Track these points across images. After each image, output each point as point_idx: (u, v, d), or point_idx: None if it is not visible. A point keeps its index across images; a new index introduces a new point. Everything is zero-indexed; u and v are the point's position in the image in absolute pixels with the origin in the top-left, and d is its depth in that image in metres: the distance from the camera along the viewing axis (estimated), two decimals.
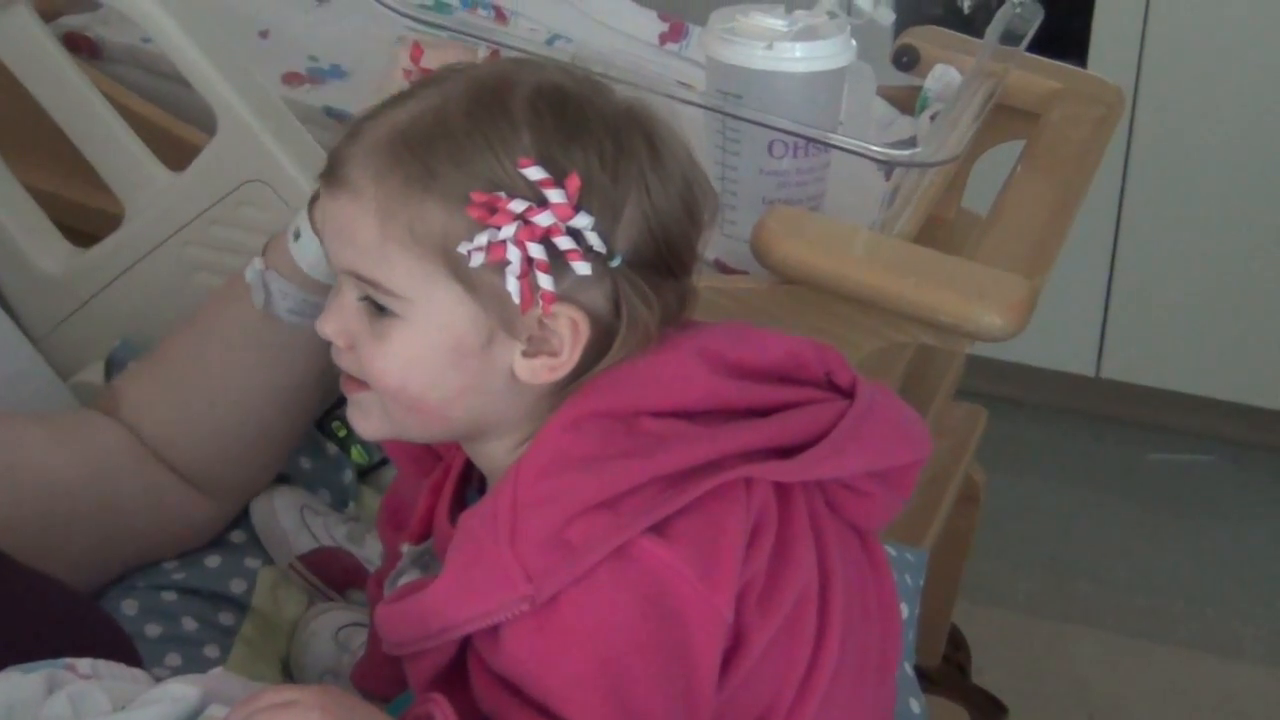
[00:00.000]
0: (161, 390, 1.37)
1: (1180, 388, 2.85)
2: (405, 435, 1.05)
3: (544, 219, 0.94)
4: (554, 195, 0.94)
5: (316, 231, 1.07)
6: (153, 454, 1.35)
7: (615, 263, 0.96)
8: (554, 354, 0.98)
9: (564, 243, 0.95)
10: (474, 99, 0.97)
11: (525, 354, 0.98)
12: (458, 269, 0.96)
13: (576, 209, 0.95)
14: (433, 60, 1.25)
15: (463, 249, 0.94)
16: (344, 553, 1.40)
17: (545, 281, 0.95)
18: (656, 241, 0.98)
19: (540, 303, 0.95)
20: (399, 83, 1.09)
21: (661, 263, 0.99)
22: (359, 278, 0.98)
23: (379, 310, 0.99)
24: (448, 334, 0.98)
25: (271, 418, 1.38)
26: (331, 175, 0.99)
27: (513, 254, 0.94)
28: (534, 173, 0.94)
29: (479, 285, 0.96)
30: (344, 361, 1.02)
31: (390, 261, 0.97)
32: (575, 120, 0.97)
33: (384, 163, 0.96)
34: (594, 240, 0.95)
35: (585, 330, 0.98)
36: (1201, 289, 2.76)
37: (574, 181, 0.94)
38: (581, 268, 0.95)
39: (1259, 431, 2.87)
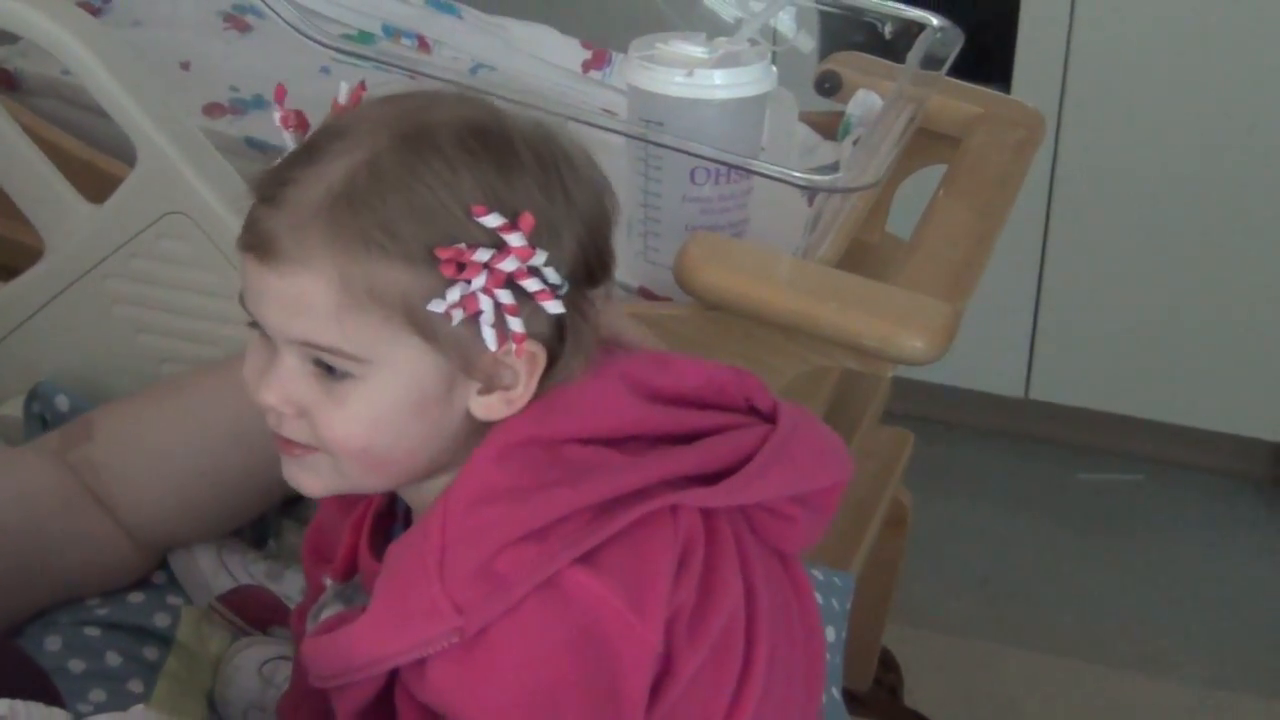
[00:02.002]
0: (143, 436, 1.37)
1: (1109, 408, 2.87)
2: (357, 490, 1.03)
3: (508, 264, 0.93)
4: (513, 239, 0.93)
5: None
6: (90, 497, 1.35)
7: (565, 290, 0.96)
8: (508, 388, 0.97)
9: (532, 285, 0.94)
10: (403, 148, 0.94)
11: (480, 392, 0.97)
12: (420, 323, 0.94)
13: (533, 246, 0.94)
14: None
15: (436, 307, 0.93)
16: (263, 590, 1.39)
17: (515, 324, 0.94)
18: (586, 256, 0.98)
19: (513, 345, 0.95)
20: None
21: (590, 274, 0.99)
22: (314, 347, 0.95)
23: (333, 375, 0.96)
24: (412, 388, 0.96)
25: (241, 495, 1.39)
26: (265, 250, 0.95)
27: (485, 304, 0.93)
28: (492, 220, 0.93)
29: (441, 336, 0.94)
30: (289, 429, 0.98)
31: (349, 326, 0.94)
32: (507, 153, 0.95)
33: (330, 228, 0.93)
34: (551, 275, 0.95)
35: (542, 361, 0.97)
36: (1128, 310, 2.77)
37: (528, 221, 0.93)
38: (554, 307, 0.95)
39: (1186, 450, 2.89)
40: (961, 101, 1.78)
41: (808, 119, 1.82)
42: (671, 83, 1.49)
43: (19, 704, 0.96)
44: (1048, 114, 1.87)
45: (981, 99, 1.80)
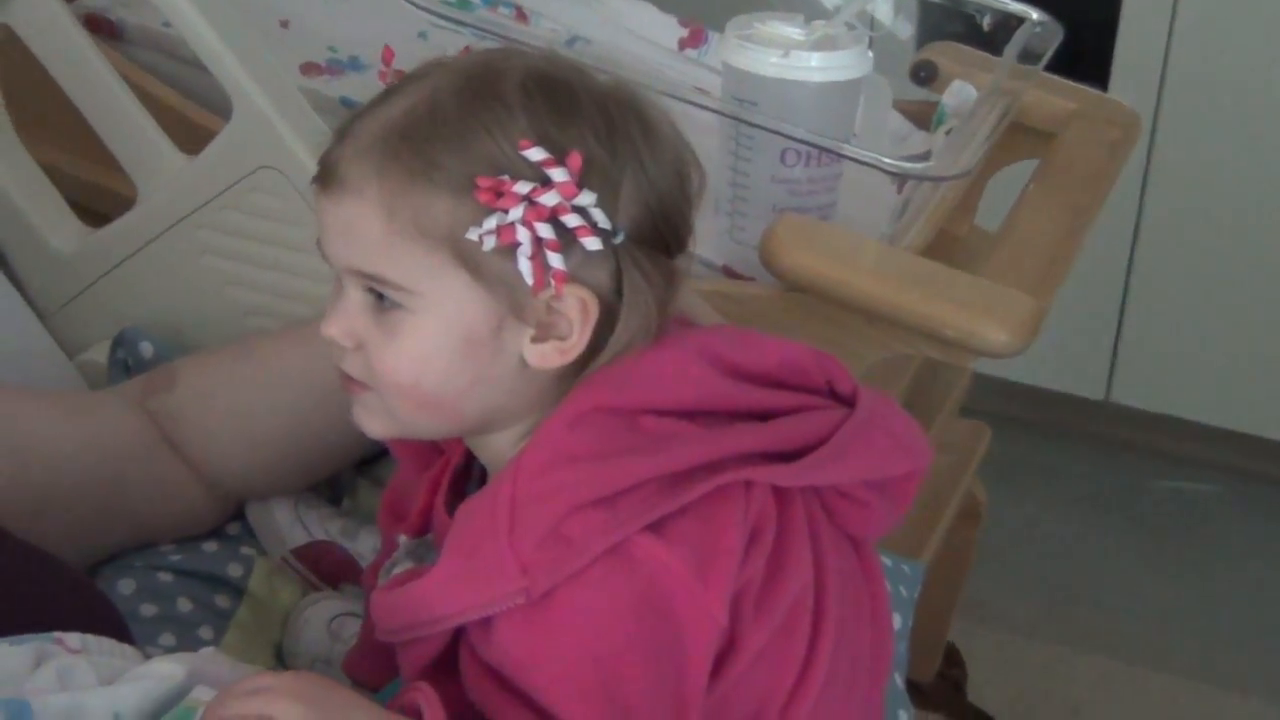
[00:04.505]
0: (225, 390, 1.39)
1: (1190, 415, 2.84)
2: (413, 433, 1.04)
3: (550, 198, 0.94)
4: (557, 174, 0.94)
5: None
6: (168, 445, 1.37)
7: (619, 239, 0.96)
8: (563, 337, 0.98)
9: (572, 220, 0.95)
10: (464, 88, 0.97)
11: (534, 339, 0.98)
12: (465, 257, 0.95)
13: (580, 186, 0.95)
14: None
15: (472, 234, 0.94)
16: (337, 547, 1.40)
17: (556, 260, 0.95)
18: (654, 217, 0.98)
19: (552, 283, 0.95)
20: None
21: (659, 239, 0.99)
22: (364, 275, 0.98)
23: (385, 308, 0.98)
24: (458, 324, 0.97)
25: (318, 453, 1.41)
26: (328, 178, 0.98)
27: (522, 235, 0.94)
28: (535, 154, 0.94)
29: (487, 272, 0.96)
30: (348, 363, 1.01)
31: (397, 255, 0.96)
32: (567, 100, 0.97)
33: (382, 158, 0.96)
34: (599, 217, 0.95)
35: (594, 310, 0.97)
36: (1216, 316, 2.75)
37: (575, 159, 0.95)
38: (591, 243, 0.95)
39: (1266, 463, 2.86)
40: (1057, 97, 1.77)
41: (901, 107, 1.81)
42: (767, 63, 1.49)
43: (91, 638, 0.98)
44: (1144, 114, 1.86)
45: (1078, 96, 1.79)
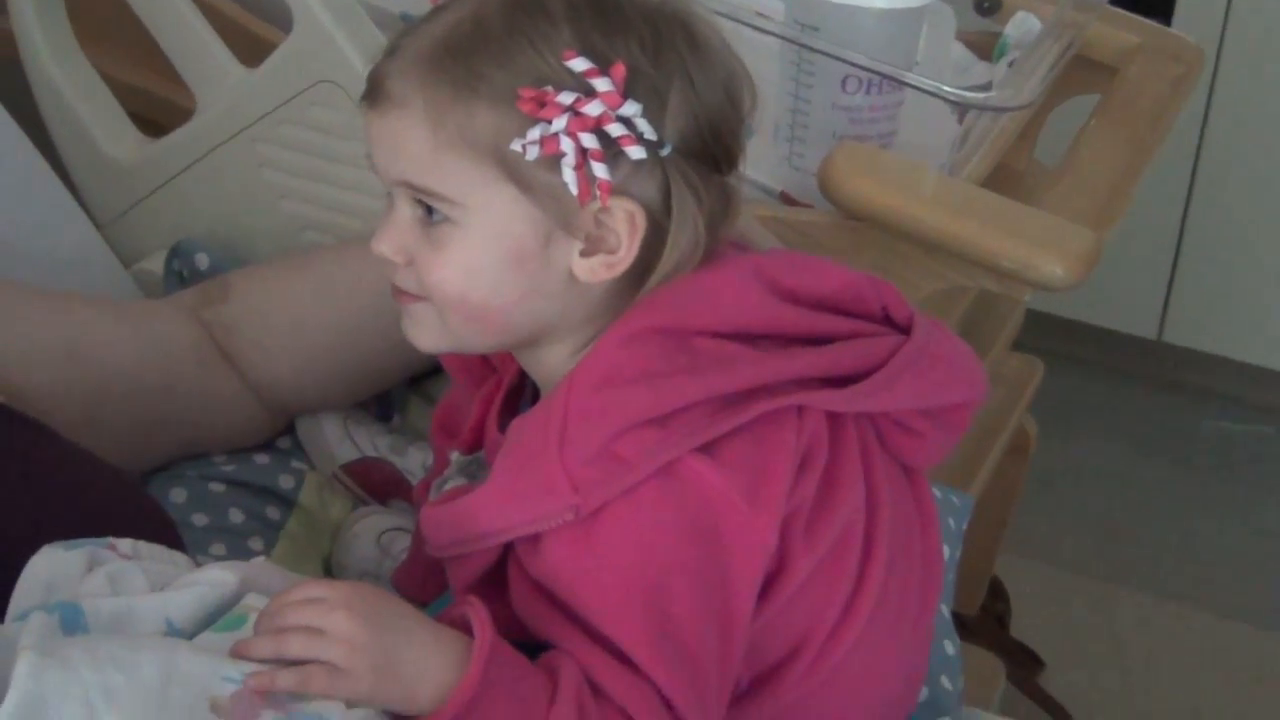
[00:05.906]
0: (279, 303, 1.39)
1: (1243, 357, 2.83)
2: (463, 346, 1.04)
3: (593, 108, 0.94)
4: (601, 84, 0.94)
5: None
6: (221, 355, 1.37)
7: (666, 150, 0.96)
8: (611, 251, 0.98)
9: (615, 129, 0.95)
10: (510, 3, 0.97)
11: (583, 253, 0.98)
12: (512, 170, 0.96)
13: (624, 97, 0.95)
14: None
15: (516, 145, 0.94)
16: (386, 463, 1.41)
17: (600, 170, 0.95)
18: (702, 131, 0.98)
19: (598, 194, 0.95)
20: None
21: (708, 154, 0.99)
22: (412, 187, 0.98)
23: (434, 221, 0.98)
24: (506, 237, 0.97)
25: (370, 368, 1.42)
26: (375, 93, 0.99)
27: (566, 145, 0.94)
28: (579, 64, 0.94)
29: (534, 185, 0.96)
30: (401, 278, 1.01)
31: (444, 168, 0.97)
32: (613, 13, 0.97)
33: (428, 72, 0.96)
34: (644, 127, 0.95)
35: (641, 222, 0.97)
36: (1272, 258, 2.73)
37: (619, 70, 0.95)
38: (635, 152, 0.95)
39: None
40: (1121, 31, 1.76)
41: (964, 38, 1.80)
42: None
43: (143, 545, 0.98)
44: (1207, 50, 1.84)
45: (1141, 30, 1.77)
